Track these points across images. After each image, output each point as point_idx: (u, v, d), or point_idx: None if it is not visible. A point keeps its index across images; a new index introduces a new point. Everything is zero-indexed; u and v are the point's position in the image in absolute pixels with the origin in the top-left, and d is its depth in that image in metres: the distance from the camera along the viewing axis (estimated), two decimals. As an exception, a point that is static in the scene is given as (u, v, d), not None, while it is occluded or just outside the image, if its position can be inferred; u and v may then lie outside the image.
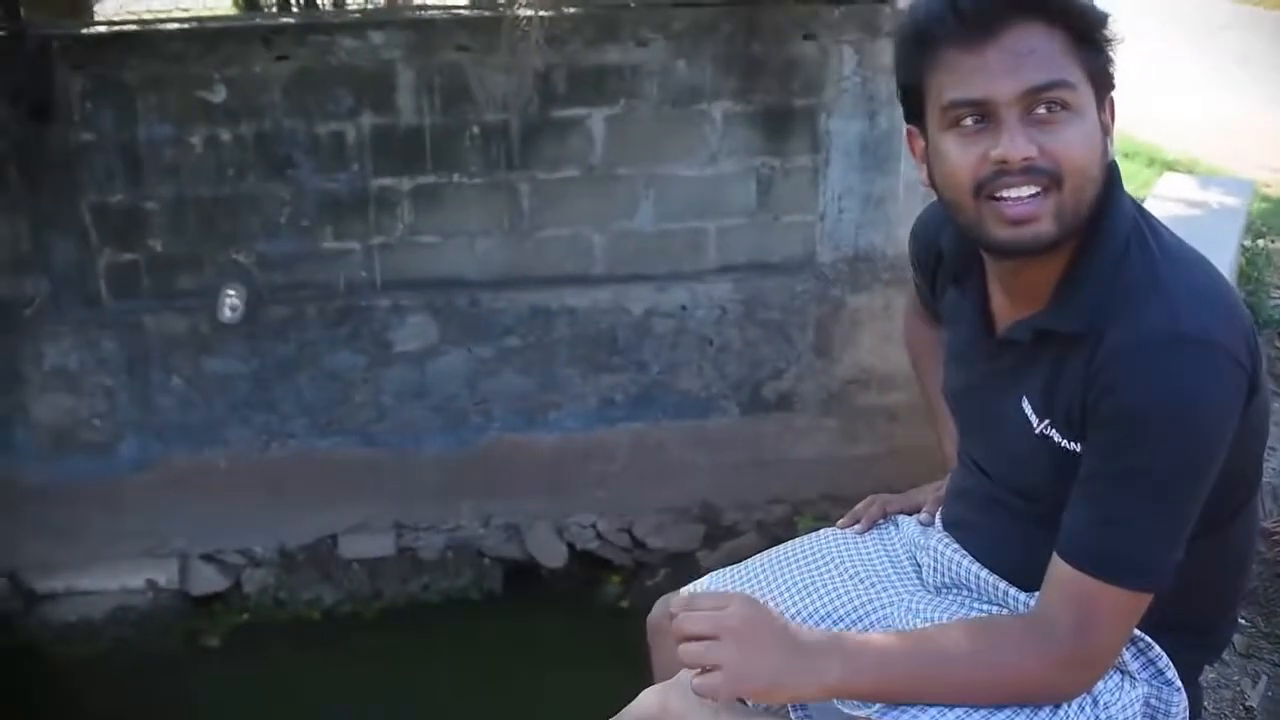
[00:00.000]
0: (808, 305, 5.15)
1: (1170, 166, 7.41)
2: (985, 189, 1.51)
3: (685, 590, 2.05)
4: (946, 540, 1.83)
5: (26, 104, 4.48)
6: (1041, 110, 1.49)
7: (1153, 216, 1.62)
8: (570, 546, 5.30)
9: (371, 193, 4.79)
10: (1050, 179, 1.49)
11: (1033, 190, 1.49)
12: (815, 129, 4.95)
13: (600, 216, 4.96)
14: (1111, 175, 1.58)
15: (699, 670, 1.51)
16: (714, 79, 4.84)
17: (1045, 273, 1.58)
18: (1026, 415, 1.63)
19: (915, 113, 1.61)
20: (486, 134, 4.78)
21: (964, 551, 1.80)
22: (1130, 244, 1.54)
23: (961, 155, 1.52)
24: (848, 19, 4.83)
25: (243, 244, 4.78)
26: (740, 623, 1.52)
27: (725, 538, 5.32)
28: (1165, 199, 5.27)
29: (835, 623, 1.87)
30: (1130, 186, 6.36)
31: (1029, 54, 1.48)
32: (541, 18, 4.59)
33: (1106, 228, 1.55)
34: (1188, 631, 1.67)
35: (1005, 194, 1.50)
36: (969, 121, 1.52)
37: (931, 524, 1.93)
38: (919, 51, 1.56)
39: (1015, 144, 1.48)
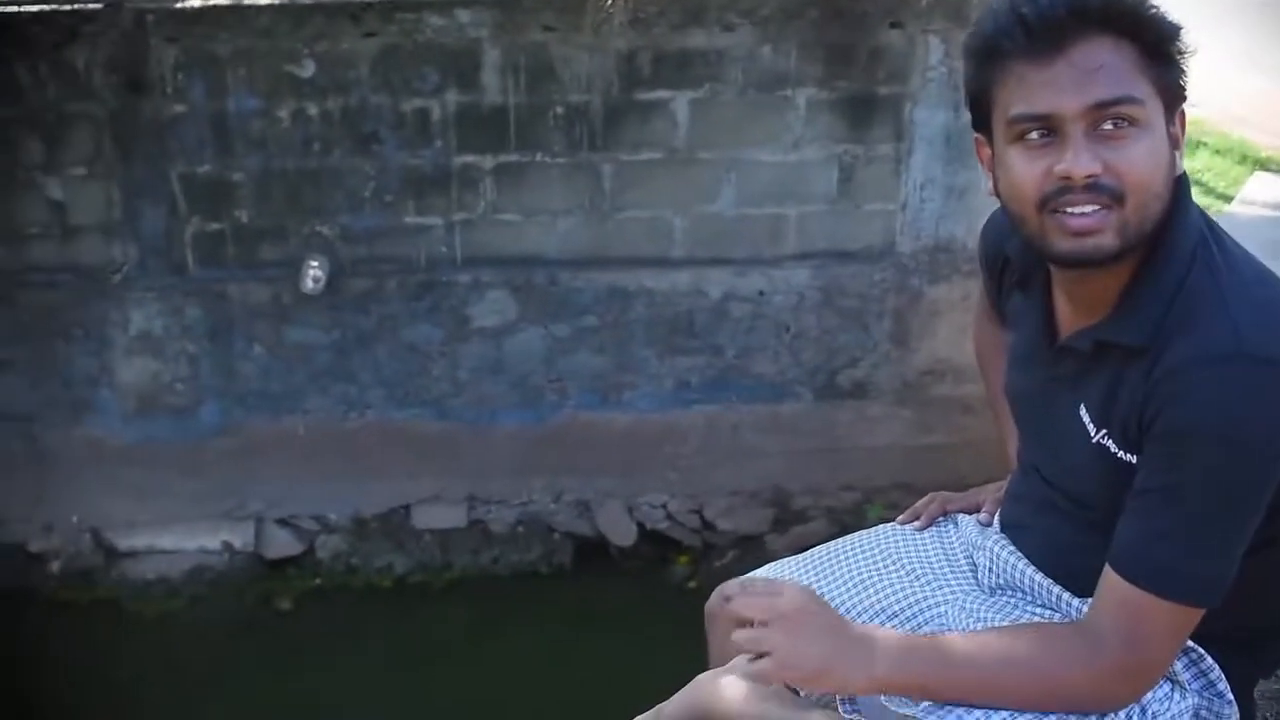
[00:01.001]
0: (886, 294, 5.13)
1: (1262, 165, 7.28)
2: (1049, 204, 1.51)
3: (742, 580, 2.08)
4: (1003, 542, 1.84)
5: (121, 75, 4.57)
6: (1108, 126, 1.48)
7: (1220, 230, 1.60)
8: (640, 525, 5.33)
9: (454, 170, 4.83)
10: (1113, 196, 1.48)
11: (1095, 207, 1.49)
12: (899, 118, 4.92)
13: (681, 199, 4.96)
14: (1179, 188, 1.57)
15: (753, 655, 1.54)
16: (799, 65, 4.82)
17: (1109, 283, 1.57)
18: (1084, 423, 1.62)
19: (983, 122, 1.61)
20: (570, 114, 4.80)
21: (1019, 554, 1.80)
22: (1195, 258, 1.53)
23: (1026, 169, 1.52)
24: (935, 8, 4.78)
25: (326, 217, 4.85)
26: (793, 610, 1.55)
27: (795, 523, 5.33)
28: (1252, 202, 5.19)
29: (890, 618, 1.89)
30: (1220, 185, 6.26)
31: (1097, 69, 1.48)
32: (627, 0, 4.60)
33: (1171, 241, 1.54)
34: (1242, 644, 1.66)
35: (1068, 209, 1.50)
36: (1034, 135, 1.52)
37: (990, 524, 1.94)
38: (986, 64, 1.56)
39: (1080, 160, 1.47)
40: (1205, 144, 7.49)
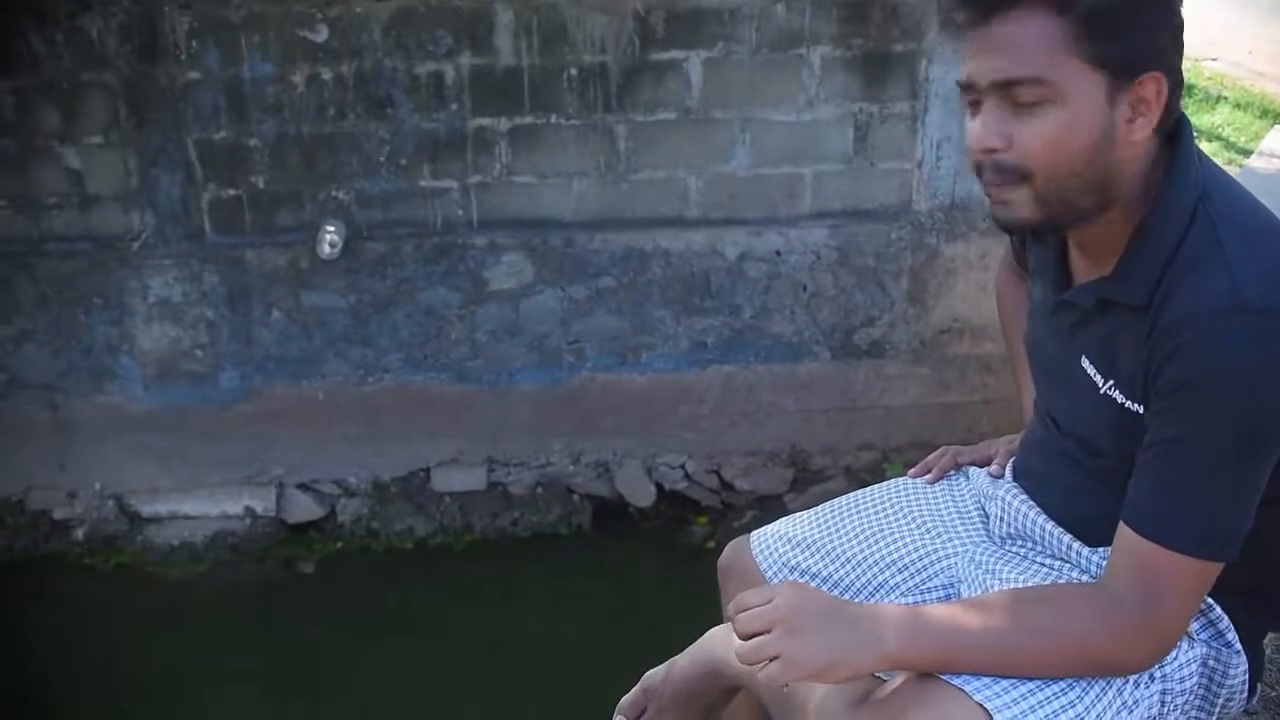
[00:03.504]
0: (902, 253, 5.13)
1: (1283, 119, 7.24)
2: (980, 171, 1.54)
3: (755, 535, 2.10)
4: (1015, 491, 1.85)
5: (135, 43, 4.57)
6: (1022, 100, 1.49)
7: (1228, 182, 1.59)
8: (659, 486, 5.35)
9: (469, 133, 4.83)
10: (1017, 174, 1.50)
11: (1000, 180, 1.51)
12: (915, 75, 4.90)
13: (696, 160, 4.96)
14: (1179, 142, 1.56)
15: (761, 663, 1.54)
16: (813, 23, 4.80)
17: (1110, 233, 1.58)
18: (1090, 374, 1.63)
19: None
20: (584, 76, 4.79)
21: (1031, 503, 1.81)
22: (1196, 213, 1.52)
23: (969, 133, 1.55)
24: (950, -37, 4.75)
25: (342, 181, 4.85)
26: (788, 611, 1.55)
27: (813, 482, 5.34)
28: (1272, 155, 5.15)
29: (900, 570, 1.90)
30: (1240, 140, 6.22)
31: (1012, 45, 1.48)
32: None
33: (1170, 199, 1.53)
34: (1252, 596, 1.66)
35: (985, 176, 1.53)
36: (970, 103, 1.54)
37: (1002, 476, 1.95)
38: (949, 30, 1.59)
39: (981, 132, 1.51)
40: (1225, 99, 7.44)
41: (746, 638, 1.56)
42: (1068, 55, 1.48)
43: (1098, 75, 1.49)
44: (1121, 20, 1.48)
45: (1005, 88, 1.49)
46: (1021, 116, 1.49)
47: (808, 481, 5.34)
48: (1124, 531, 1.54)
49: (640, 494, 5.33)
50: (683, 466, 5.35)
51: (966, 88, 1.54)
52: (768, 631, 1.54)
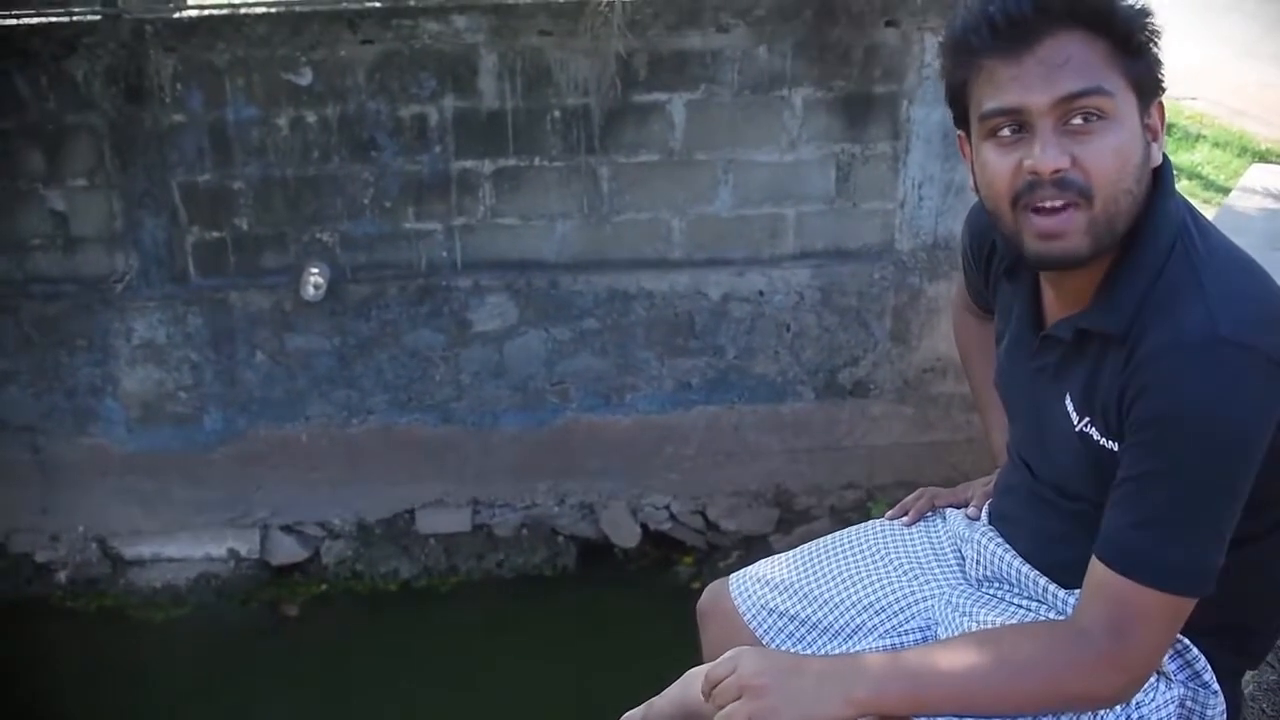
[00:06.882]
0: (885, 292, 5.14)
1: (1262, 157, 7.28)
2: (1021, 200, 1.52)
3: (734, 577, 2.09)
4: (991, 534, 1.85)
5: (120, 86, 4.59)
6: (1077, 120, 1.49)
7: (1204, 219, 1.60)
8: (644, 527, 5.34)
9: (453, 175, 4.85)
10: (1080, 193, 1.49)
11: (1064, 202, 1.49)
12: (896, 116, 4.93)
13: (679, 201, 4.98)
14: (1161, 177, 1.57)
15: None
16: (794, 65, 4.83)
17: (1092, 273, 1.58)
18: (1068, 412, 1.63)
19: (962, 119, 1.62)
20: (567, 118, 4.81)
21: (1007, 546, 1.81)
22: (1175, 247, 1.53)
23: (999, 164, 1.53)
24: (930, 5, 4.80)
25: (326, 224, 4.87)
26: (751, 675, 1.56)
27: (798, 522, 5.34)
28: (1251, 191, 5.16)
29: (877, 613, 1.89)
30: (1220, 178, 6.24)
31: (1064, 63, 1.48)
32: (623, 3, 4.61)
33: (1151, 229, 1.54)
34: (1228, 636, 1.66)
35: (1040, 204, 1.51)
36: (1006, 131, 1.53)
37: (978, 518, 1.94)
38: (960, 61, 1.57)
39: (1047, 154, 1.48)
40: (1204, 137, 7.49)
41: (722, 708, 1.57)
42: (1112, 71, 1.50)
43: (1131, 95, 1.52)
44: (1146, 41, 1.52)
45: (1067, 104, 1.48)
46: (1076, 137, 1.49)
47: (793, 522, 5.34)
48: (1095, 566, 1.53)
49: (625, 535, 5.32)
50: (668, 507, 5.35)
51: (1006, 114, 1.52)
52: (738, 699, 1.55)
